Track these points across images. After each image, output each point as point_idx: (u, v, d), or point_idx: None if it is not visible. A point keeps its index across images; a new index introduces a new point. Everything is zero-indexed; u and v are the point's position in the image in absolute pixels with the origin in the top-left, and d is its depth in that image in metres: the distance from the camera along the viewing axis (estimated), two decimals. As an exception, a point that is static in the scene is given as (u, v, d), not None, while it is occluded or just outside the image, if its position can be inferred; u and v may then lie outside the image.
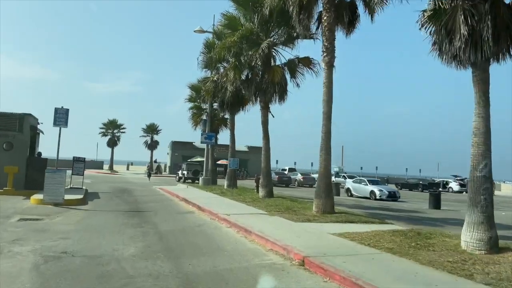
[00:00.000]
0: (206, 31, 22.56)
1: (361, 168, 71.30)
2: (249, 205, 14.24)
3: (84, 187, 19.81)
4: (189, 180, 37.07)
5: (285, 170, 58.67)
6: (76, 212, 12.72)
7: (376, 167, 72.74)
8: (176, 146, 54.67)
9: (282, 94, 16.28)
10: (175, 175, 41.74)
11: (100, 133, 52.64)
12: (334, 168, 71.77)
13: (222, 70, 21.21)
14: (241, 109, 21.16)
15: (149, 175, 35.39)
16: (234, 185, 21.26)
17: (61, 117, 13.74)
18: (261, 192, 16.48)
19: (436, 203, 22.43)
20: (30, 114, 17.20)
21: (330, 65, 12.43)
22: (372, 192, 28.44)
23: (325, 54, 12.52)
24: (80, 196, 15.31)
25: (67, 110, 13.97)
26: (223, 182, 24.01)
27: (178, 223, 10.96)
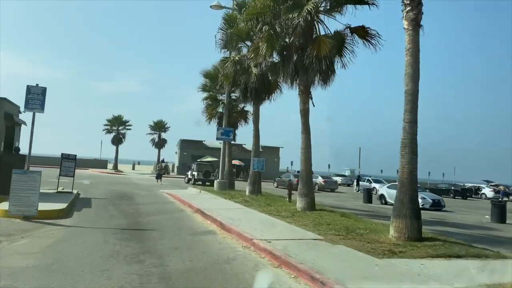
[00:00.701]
0: (225, 7, 18.77)
1: (381, 171, 67.12)
2: (289, 222, 10.37)
3: (75, 191, 16.13)
4: (199, 182, 33.38)
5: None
6: (52, 230, 9.03)
7: (397, 170, 68.30)
8: (185, 144, 51.02)
9: (328, 74, 12.40)
10: (183, 176, 37.98)
11: (104, 129, 49.22)
12: (346, 171, 67.71)
13: (245, 51, 17.41)
14: (267, 97, 17.34)
15: (158, 177, 31.24)
16: (258, 191, 17.44)
17: (35, 98, 10.03)
18: (300, 203, 12.58)
19: (501, 215, 18.50)
20: (5, 99, 13.57)
21: (416, 24, 8.57)
22: (412, 199, 24.47)
23: (408, 9, 8.65)
24: (63, 205, 11.59)
25: (44, 89, 10.25)
26: (241, 186, 20.17)
27: (196, 255, 7.13)
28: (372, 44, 12.14)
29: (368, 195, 26.98)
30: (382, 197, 26.91)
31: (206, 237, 8.91)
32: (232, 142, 54.35)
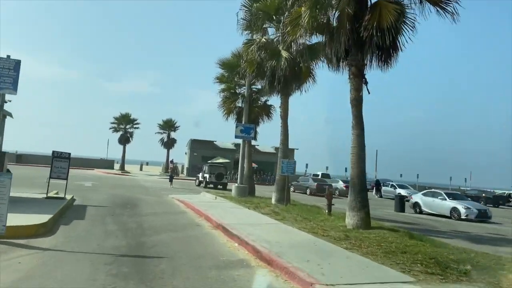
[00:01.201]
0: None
1: (401, 175, 63.53)
2: (348, 248, 7.51)
3: (69, 196, 13.52)
4: (211, 185, 30.72)
5: (317, 175, 51.68)
6: (20, 256, 6.42)
7: (417, 175, 64.69)
8: (196, 145, 48.43)
9: (389, 52, 9.54)
10: (193, 178, 35.34)
11: (111, 128, 46.76)
12: (350, 174, 64.15)
13: (271, 33, 14.66)
14: (297, 87, 14.56)
15: (171, 179, 28.48)
16: (287, 199, 14.59)
17: (5, 74, 7.36)
18: (351, 219, 9.65)
19: None
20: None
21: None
22: (454, 209, 21.54)
23: None
24: (45, 219, 8.90)
25: (18, 63, 7.56)
26: (259, 191, 17.33)
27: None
28: (447, 13, 9.26)
29: (401, 203, 24.11)
30: (416, 205, 24.04)
31: (238, 273, 6.11)
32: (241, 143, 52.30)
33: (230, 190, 30.69)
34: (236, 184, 17.49)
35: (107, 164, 48.87)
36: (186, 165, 50.44)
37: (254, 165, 48.28)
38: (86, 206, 12.59)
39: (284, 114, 14.40)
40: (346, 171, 60.59)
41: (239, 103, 18.37)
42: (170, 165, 30.73)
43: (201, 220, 11.28)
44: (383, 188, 40.69)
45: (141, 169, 53.48)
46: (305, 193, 34.25)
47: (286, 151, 14.50)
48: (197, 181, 33.66)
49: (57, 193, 13.55)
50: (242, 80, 18.63)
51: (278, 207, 13.26)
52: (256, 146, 51.67)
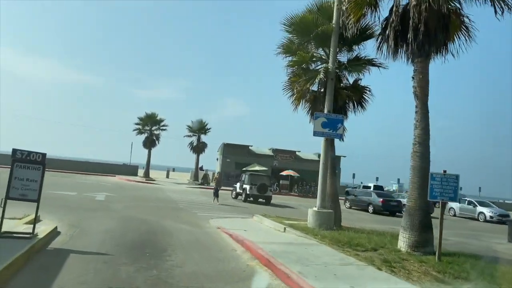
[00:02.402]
0: None
1: (461, 188, 54.98)
2: None
3: (48, 228, 7.73)
4: (251, 198, 24.67)
5: (368, 187, 44.61)
6: None
7: (480, 188, 56.25)
8: (229, 150, 42.59)
9: None
10: (229, 188, 29.41)
11: (135, 130, 41.54)
12: (393, 185, 56.31)
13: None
14: (443, 47, 8.26)
15: (216, 193, 21.09)
16: (439, 248, 7.97)
17: None
18: None
19: None
20: None
21: None
22: None
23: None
24: None
25: None
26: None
27: None
28: None
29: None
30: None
31: None
32: (279, 148, 45.65)
33: (275, 205, 25.72)
34: (315, 208, 11.19)
35: (130, 170, 43.75)
36: (217, 173, 44.63)
37: (295, 173, 42.07)
38: (68, 254, 6.64)
39: (422, 92, 8.03)
40: (398, 182, 53.46)
41: (313, 86, 12.18)
42: (216, 173, 23.42)
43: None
44: (454, 204, 33.32)
45: (167, 176, 48.15)
46: (366, 211, 27.63)
47: (427, 153, 8.06)
48: (234, 192, 27.62)
49: (35, 220, 7.70)
50: (320, 50, 12.46)
51: (425, 262, 6.89)
52: (297, 153, 45.36)
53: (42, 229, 8.02)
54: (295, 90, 11.85)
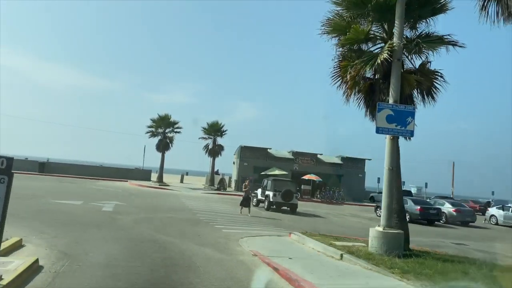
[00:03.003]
0: None
1: (493, 193, 51.34)
2: None
3: (27, 260, 5.29)
4: (273, 206, 22.12)
5: (410, 192, 41.37)
6: None
7: (492, 192, 51.83)
8: (246, 153, 40.08)
9: None
10: (252, 195, 26.88)
11: (147, 132, 39.40)
12: (412, 188, 52.78)
13: None
14: None
15: (247, 202, 18.15)
16: None
17: None
18: None
19: None
20: None
21: None
22: None
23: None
24: None
25: None
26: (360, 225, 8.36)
27: None
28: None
29: None
30: None
31: None
32: (300, 151, 42.80)
33: (301, 214, 22.07)
34: (379, 228, 8.54)
35: (143, 174, 41.62)
36: (234, 177, 42.22)
37: (317, 178, 39.32)
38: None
39: None
40: (426, 186, 50.04)
41: (368, 73, 9.55)
42: (245, 182, 19.81)
43: None
44: (496, 212, 30.14)
45: (181, 181, 45.88)
46: (403, 220, 24.57)
47: None
48: (255, 200, 24.94)
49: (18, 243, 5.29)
50: (376, 28, 9.88)
51: None
52: (318, 156, 42.63)
53: (15, 266, 5.63)
54: (348, 77, 9.23)
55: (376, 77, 9.79)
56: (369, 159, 42.23)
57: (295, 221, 18.19)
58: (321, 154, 42.25)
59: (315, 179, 37.60)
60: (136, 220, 12.92)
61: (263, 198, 23.45)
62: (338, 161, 42.35)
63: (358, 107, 10.21)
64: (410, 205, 24.81)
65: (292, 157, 41.06)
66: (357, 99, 10.10)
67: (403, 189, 49.00)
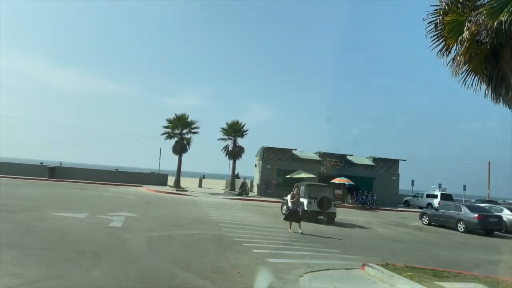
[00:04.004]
0: None
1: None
2: None
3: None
4: (306, 215, 19.00)
5: (434, 196, 37.76)
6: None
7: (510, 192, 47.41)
8: (269, 154, 37.02)
9: None
10: (279, 201, 23.73)
11: (163, 133, 36.68)
12: (435, 189, 48.16)
13: None
14: None
15: (295, 215, 14.70)
16: None
17: None
18: None
19: None
20: None
21: None
22: None
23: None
24: None
25: None
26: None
27: None
28: None
29: None
30: None
31: None
32: (328, 152, 39.35)
33: (338, 223, 18.73)
34: None
35: (159, 179, 39.00)
36: (256, 181, 39.20)
37: (348, 181, 35.91)
38: None
39: None
40: (465, 189, 45.90)
41: (481, 36, 6.46)
42: (293, 191, 15.41)
43: None
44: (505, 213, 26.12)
45: (200, 185, 43.13)
46: (453, 229, 21.46)
47: None
48: (285, 207, 21.70)
49: None
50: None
51: None
52: (348, 157, 39.24)
53: None
54: (466, 33, 6.09)
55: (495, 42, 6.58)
56: (404, 160, 38.63)
57: (340, 235, 15.08)
58: (350, 155, 38.84)
59: (346, 182, 34.21)
60: (150, 241, 10.01)
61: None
62: (370, 162, 38.86)
63: (461, 84, 7.02)
64: (466, 213, 21.33)
65: (319, 158, 37.79)
66: (462, 72, 6.91)
67: (429, 193, 44.16)
